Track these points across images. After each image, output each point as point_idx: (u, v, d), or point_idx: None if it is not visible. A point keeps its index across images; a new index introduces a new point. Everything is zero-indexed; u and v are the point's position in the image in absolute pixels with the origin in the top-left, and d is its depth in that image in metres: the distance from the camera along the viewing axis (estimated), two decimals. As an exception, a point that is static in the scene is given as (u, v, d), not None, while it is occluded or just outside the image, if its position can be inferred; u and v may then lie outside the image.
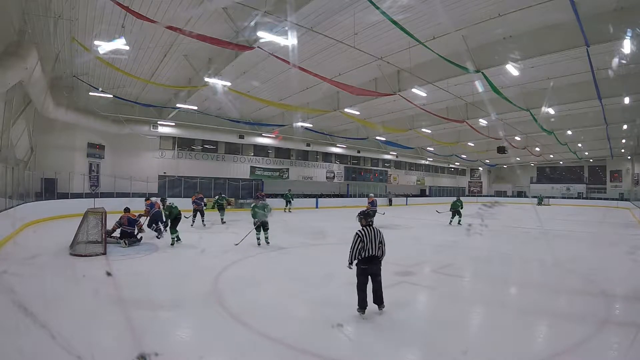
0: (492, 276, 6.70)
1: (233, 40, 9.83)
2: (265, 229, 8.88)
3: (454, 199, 15.44)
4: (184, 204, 12.91)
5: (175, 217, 8.83)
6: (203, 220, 12.84)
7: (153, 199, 11.18)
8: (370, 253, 4.19)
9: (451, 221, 14.44)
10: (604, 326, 4.08)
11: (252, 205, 9.02)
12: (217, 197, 14.30)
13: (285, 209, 20.29)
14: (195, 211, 12.87)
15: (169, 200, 9.46)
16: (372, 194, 16.73)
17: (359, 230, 4.25)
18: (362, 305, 4.23)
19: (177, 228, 8.91)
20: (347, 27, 9.96)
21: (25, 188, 12.48)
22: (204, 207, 13.17)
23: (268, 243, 8.81)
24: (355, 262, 4.25)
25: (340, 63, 12.95)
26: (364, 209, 4.59)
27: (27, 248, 8.12)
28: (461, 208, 14.42)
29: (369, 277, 4.25)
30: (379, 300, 4.32)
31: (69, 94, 14.84)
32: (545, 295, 5.44)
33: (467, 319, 4.58)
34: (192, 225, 12.47)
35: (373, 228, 4.33)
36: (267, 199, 9.13)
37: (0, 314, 3.80)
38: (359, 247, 4.17)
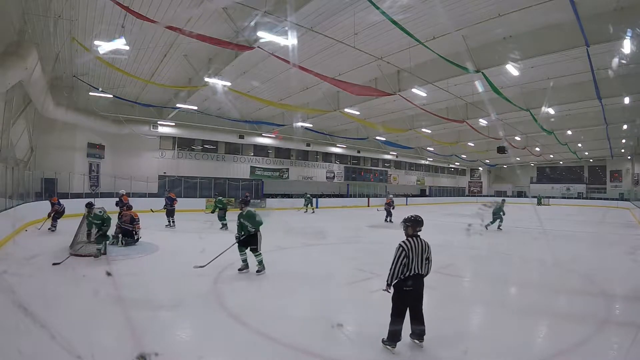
0: (492, 276, 6.70)
1: (233, 40, 9.84)
2: (255, 250, 6.04)
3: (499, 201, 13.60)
4: (184, 204, 12.83)
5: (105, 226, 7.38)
6: (173, 222, 12.11)
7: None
8: (416, 271, 3.30)
9: (488, 225, 13.07)
10: (604, 326, 4.08)
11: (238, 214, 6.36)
12: (215, 199, 12.97)
13: (304, 208, 20.75)
14: (167, 212, 12.24)
15: (98, 207, 7.65)
16: (391, 195, 18.17)
17: (404, 242, 3.34)
18: (394, 338, 3.29)
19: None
20: (347, 27, 9.97)
21: (25, 188, 12.48)
22: (172, 207, 12.32)
23: (259, 272, 6.07)
24: (395, 281, 3.32)
25: (340, 63, 12.95)
26: (410, 215, 3.60)
27: (27, 248, 8.11)
28: (503, 213, 13.04)
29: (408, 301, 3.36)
30: (419, 330, 3.38)
31: (69, 94, 14.85)
32: (545, 295, 5.44)
33: (467, 319, 4.57)
34: (166, 226, 11.87)
35: (420, 240, 3.42)
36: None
37: (0, 314, 3.80)
38: (403, 263, 3.27)
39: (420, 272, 3.33)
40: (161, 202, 12.80)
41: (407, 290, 3.30)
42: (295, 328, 3.97)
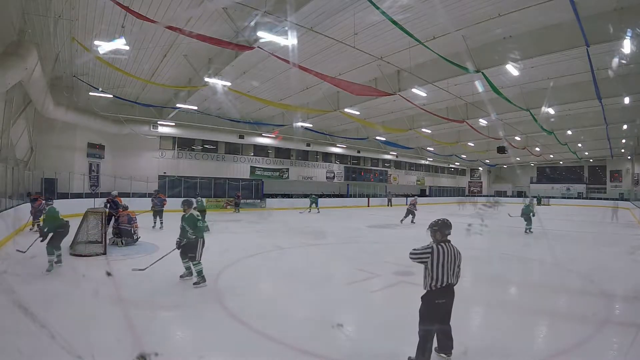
0: (492, 276, 6.69)
1: (233, 40, 9.83)
2: (192, 259, 5.38)
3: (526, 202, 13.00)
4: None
5: (60, 227, 6.20)
6: (161, 223, 11.69)
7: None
8: (448, 281, 3.00)
9: (527, 230, 12.49)
10: (604, 326, 4.08)
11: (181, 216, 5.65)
12: (196, 201, 12.15)
13: (309, 209, 21.12)
14: (155, 213, 11.91)
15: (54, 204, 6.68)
16: (415, 196, 18.16)
17: (436, 246, 3.01)
18: (425, 358, 2.98)
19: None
20: (347, 27, 9.96)
21: (25, 188, 12.48)
22: (161, 208, 11.96)
23: (197, 284, 5.28)
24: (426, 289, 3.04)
25: (340, 63, 12.95)
26: (436, 219, 3.21)
27: (27, 248, 8.10)
28: (533, 215, 12.55)
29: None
30: (447, 342, 3.13)
31: (69, 94, 14.85)
32: (545, 295, 5.44)
33: (467, 319, 4.57)
34: (153, 227, 11.55)
35: (452, 246, 3.09)
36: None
37: (0, 314, 3.80)
38: (424, 262, 2.99)
39: (451, 282, 3.06)
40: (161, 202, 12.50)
41: (438, 303, 3.01)
42: (295, 328, 3.98)
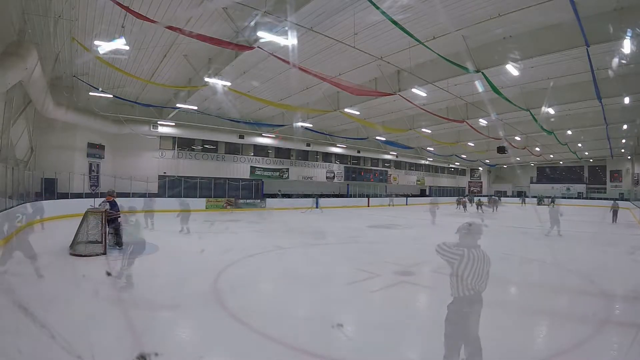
0: (492, 276, 6.67)
1: (233, 40, 9.84)
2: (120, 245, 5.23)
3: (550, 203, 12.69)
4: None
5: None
6: (152, 223, 11.50)
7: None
8: (476, 289, 2.79)
9: (549, 231, 11.98)
10: (604, 326, 4.08)
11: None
12: (181, 202, 12.02)
13: (311, 208, 21.80)
14: (146, 214, 11.78)
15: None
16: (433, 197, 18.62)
17: (467, 252, 2.74)
18: None
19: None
20: (347, 27, 9.96)
21: (25, 188, 12.47)
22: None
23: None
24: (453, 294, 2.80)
25: (340, 63, 12.94)
26: (465, 222, 2.98)
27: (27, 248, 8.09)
28: (561, 214, 12.19)
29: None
30: (476, 352, 2.81)
31: (69, 94, 14.85)
32: (545, 295, 5.44)
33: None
34: (145, 227, 11.04)
35: (482, 252, 2.84)
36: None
37: (0, 314, 3.80)
38: (453, 262, 2.75)
39: (480, 290, 2.84)
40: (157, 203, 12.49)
41: (467, 312, 2.79)
42: (295, 328, 3.98)
